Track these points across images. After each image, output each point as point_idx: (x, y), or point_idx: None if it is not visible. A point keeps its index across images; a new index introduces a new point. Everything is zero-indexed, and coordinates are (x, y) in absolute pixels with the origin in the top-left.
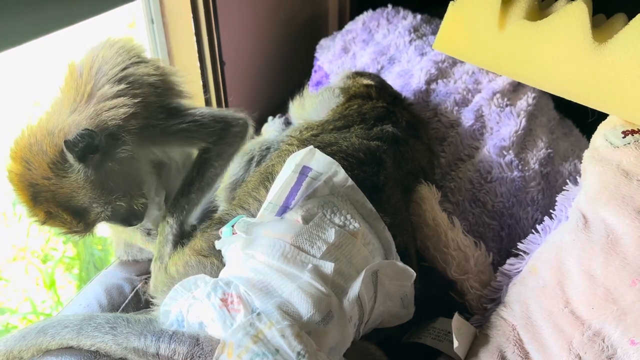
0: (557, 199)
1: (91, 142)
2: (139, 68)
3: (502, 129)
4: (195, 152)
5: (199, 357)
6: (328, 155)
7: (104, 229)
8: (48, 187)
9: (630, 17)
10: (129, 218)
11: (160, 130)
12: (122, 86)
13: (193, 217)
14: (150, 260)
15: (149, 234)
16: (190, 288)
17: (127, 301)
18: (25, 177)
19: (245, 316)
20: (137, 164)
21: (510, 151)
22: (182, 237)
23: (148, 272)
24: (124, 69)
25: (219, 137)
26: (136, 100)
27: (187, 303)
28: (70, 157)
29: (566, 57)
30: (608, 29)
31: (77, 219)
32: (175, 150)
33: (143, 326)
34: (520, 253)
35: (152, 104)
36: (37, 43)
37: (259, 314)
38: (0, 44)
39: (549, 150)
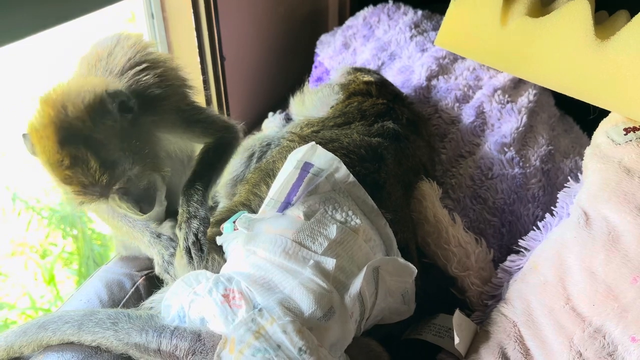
0: (558, 195)
1: (127, 102)
2: (158, 58)
3: (503, 126)
4: (195, 153)
5: (201, 352)
6: (329, 151)
7: (103, 226)
8: (82, 130)
9: (633, 14)
10: (144, 197)
11: (184, 117)
12: (150, 70)
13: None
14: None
15: (158, 236)
16: (192, 284)
17: (127, 297)
18: (58, 119)
19: (247, 312)
20: (160, 143)
21: (511, 148)
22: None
23: (148, 268)
24: (147, 54)
25: (223, 138)
26: (164, 83)
27: (188, 299)
28: (109, 104)
29: (568, 53)
30: (610, 26)
31: (103, 170)
32: (186, 143)
33: (144, 322)
34: (521, 250)
35: (178, 89)
36: (37, 38)
37: (260, 309)
38: (0, 38)
39: (550, 147)
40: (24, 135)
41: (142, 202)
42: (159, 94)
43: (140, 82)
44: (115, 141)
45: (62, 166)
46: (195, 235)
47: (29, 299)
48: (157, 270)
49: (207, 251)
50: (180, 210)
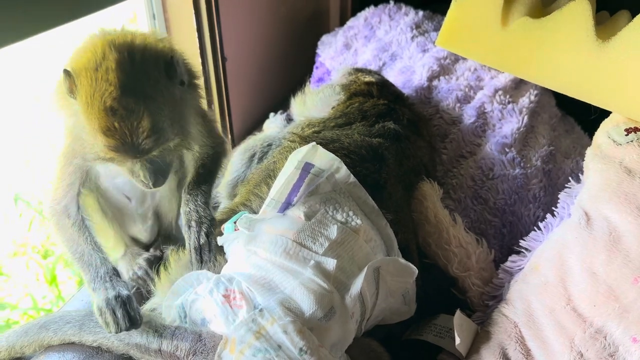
0: (559, 196)
1: (183, 74)
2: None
3: (504, 126)
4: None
5: (202, 353)
6: (330, 152)
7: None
8: (145, 86)
9: (634, 14)
10: (164, 171)
11: (205, 113)
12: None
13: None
14: None
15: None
16: (193, 284)
17: None
18: (125, 66)
19: (248, 312)
20: (192, 124)
21: (512, 148)
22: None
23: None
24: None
25: (216, 151)
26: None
27: (189, 299)
28: (175, 71)
29: (569, 54)
30: (611, 26)
31: (151, 132)
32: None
33: (145, 322)
34: (522, 250)
35: (197, 86)
36: (37, 39)
37: (261, 310)
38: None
39: (551, 148)
40: (65, 71)
41: (160, 174)
42: (195, 76)
43: (185, 60)
44: (169, 108)
45: (115, 115)
46: (207, 235)
47: (31, 300)
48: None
49: (215, 253)
50: (186, 209)
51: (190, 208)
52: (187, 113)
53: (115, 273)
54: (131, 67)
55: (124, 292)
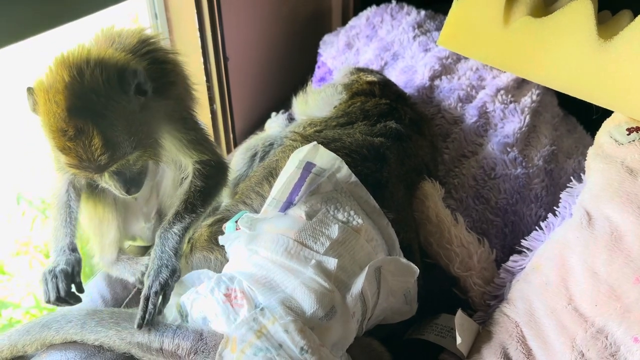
0: (561, 196)
1: (143, 84)
2: (169, 48)
3: (506, 126)
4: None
5: (203, 351)
6: (331, 151)
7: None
8: (94, 104)
9: (636, 13)
10: (135, 180)
11: (185, 115)
12: (163, 54)
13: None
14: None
15: (51, 272)
16: (194, 283)
17: (130, 296)
18: (73, 86)
19: (249, 311)
20: (162, 133)
21: (514, 148)
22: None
23: None
24: (159, 40)
25: (211, 173)
26: (175, 72)
27: (190, 298)
28: (129, 83)
29: (571, 53)
30: (613, 26)
31: (104, 149)
32: (179, 157)
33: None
34: (524, 250)
35: (185, 84)
36: (39, 39)
37: (262, 309)
38: (1, 39)
39: (553, 147)
40: (28, 89)
41: (131, 183)
42: (171, 81)
43: (156, 65)
44: (124, 123)
45: (65, 136)
46: (163, 285)
47: (33, 298)
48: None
49: (161, 307)
50: (152, 255)
51: (155, 254)
52: (153, 121)
53: (72, 248)
54: (80, 87)
55: (61, 267)
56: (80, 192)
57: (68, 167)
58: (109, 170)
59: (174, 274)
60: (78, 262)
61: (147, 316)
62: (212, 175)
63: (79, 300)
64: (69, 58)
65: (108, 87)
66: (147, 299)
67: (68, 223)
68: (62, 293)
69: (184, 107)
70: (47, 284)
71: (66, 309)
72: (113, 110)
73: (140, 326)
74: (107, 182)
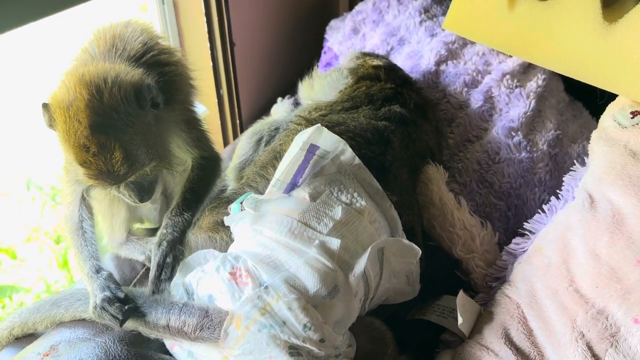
0: (564, 179)
1: (157, 97)
2: (172, 48)
3: (511, 111)
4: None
5: (208, 328)
6: (336, 134)
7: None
8: (115, 121)
9: None
10: (147, 188)
11: (189, 116)
12: (167, 56)
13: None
14: None
15: (98, 271)
16: (200, 262)
17: (138, 276)
18: (93, 105)
19: (254, 289)
20: (173, 140)
21: (519, 132)
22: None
23: None
24: (161, 40)
25: (208, 165)
26: (180, 77)
27: (196, 276)
28: (145, 99)
29: (576, 36)
30: (618, 9)
31: (124, 162)
32: (180, 154)
33: (153, 299)
34: (526, 233)
35: (188, 85)
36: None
37: (266, 287)
38: (5, 23)
39: (558, 132)
40: (44, 105)
41: (144, 191)
42: (177, 89)
43: (164, 77)
44: (141, 136)
45: (88, 152)
46: (174, 258)
47: (44, 283)
48: (90, 312)
49: (169, 281)
50: (163, 231)
51: (167, 231)
52: (164, 132)
53: (96, 270)
54: (100, 105)
55: (100, 297)
56: (91, 208)
57: (87, 178)
58: (126, 181)
59: (183, 253)
60: (108, 279)
61: (160, 282)
62: (209, 167)
63: (135, 305)
64: (85, 76)
65: (126, 104)
66: (160, 267)
67: (84, 247)
68: (121, 317)
69: (186, 108)
70: (105, 318)
71: (75, 287)
72: (132, 126)
73: (154, 292)
74: (121, 191)
